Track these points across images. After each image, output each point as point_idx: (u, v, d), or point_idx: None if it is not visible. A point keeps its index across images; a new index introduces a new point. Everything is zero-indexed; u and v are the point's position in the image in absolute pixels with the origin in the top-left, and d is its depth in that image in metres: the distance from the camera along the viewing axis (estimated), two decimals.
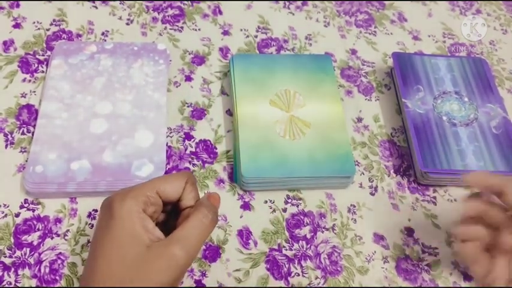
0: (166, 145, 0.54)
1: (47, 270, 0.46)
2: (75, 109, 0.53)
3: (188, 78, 0.61)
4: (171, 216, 0.41)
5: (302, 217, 0.52)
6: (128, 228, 0.36)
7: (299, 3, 0.71)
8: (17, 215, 0.48)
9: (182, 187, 0.40)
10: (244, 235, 0.50)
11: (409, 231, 0.52)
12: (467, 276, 0.50)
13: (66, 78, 0.55)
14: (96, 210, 0.49)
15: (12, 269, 0.45)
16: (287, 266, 0.48)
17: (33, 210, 0.49)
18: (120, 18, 0.65)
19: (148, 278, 0.34)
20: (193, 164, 0.54)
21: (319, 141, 0.53)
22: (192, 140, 0.55)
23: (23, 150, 0.52)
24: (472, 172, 0.43)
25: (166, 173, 0.51)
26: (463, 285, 0.49)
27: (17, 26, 0.62)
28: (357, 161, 0.56)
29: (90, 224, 0.49)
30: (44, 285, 0.45)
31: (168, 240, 0.36)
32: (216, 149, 0.55)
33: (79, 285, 0.44)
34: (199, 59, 0.62)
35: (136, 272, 0.35)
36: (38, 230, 0.48)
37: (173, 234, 0.36)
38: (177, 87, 0.60)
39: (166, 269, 0.35)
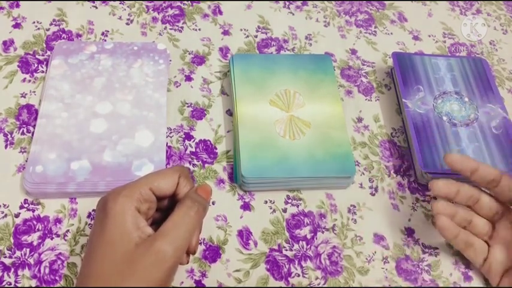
0: (166, 145, 0.54)
1: (47, 270, 0.46)
2: (75, 109, 0.53)
3: (188, 78, 0.61)
4: (168, 214, 0.41)
5: (302, 217, 0.52)
6: (119, 226, 0.36)
7: (299, 3, 0.71)
8: (17, 215, 0.48)
9: (175, 182, 0.40)
10: (245, 235, 0.50)
11: (409, 232, 0.52)
12: (467, 277, 0.50)
13: (66, 78, 0.55)
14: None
15: (12, 270, 0.45)
16: (287, 266, 0.48)
17: (33, 211, 0.49)
18: (120, 18, 0.65)
19: (137, 276, 0.35)
20: (193, 164, 0.54)
21: (319, 141, 0.53)
22: (192, 140, 0.55)
23: (22, 150, 0.52)
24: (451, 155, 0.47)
25: None
26: (463, 286, 0.49)
27: (16, 26, 0.62)
28: (357, 161, 0.56)
29: (89, 224, 0.49)
30: (44, 286, 0.45)
31: (153, 236, 0.36)
32: (216, 149, 0.55)
33: (75, 284, 0.44)
34: (199, 59, 0.62)
35: (126, 271, 0.35)
36: (38, 230, 0.48)
37: (159, 229, 0.37)
38: (177, 87, 0.60)
39: (153, 265, 0.35)
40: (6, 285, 0.44)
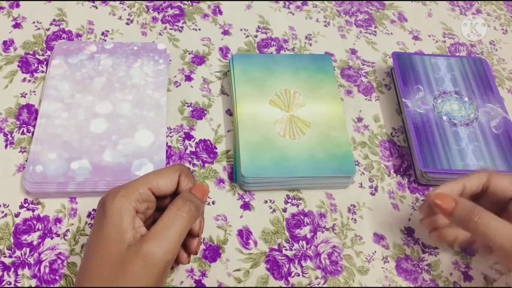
0: (166, 145, 0.54)
1: (47, 270, 0.46)
2: (75, 109, 0.53)
3: (188, 78, 0.61)
4: None
5: (302, 217, 0.52)
6: (116, 226, 0.36)
7: (299, 3, 0.71)
8: (17, 215, 0.48)
9: (175, 180, 0.40)
10: (244, 235, 0.50)
11: (409, 231, 0.52)
12: (467, 277, 0.50)
13: (66, 78, 0.55)
14: (95, 210, 0.49)
15: (12, 269, 0.45)
16: (287, 266, 0.48)
17: (33, 210, 0.49)
18: (120, 18, 0.65)
19: (127, 279, 0.34)
20: (193, 164, 0.54)
21: (319, 141, 0.53)
22: (192, 139, 0.55)
23: (22, 150, 0.52)
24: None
25: None
26: (463, 286, 0.49)
27: (17, 26, 0.62)
28: (357, 161, 0.56)
29: (89, 224, 0.49)
30: (44, 285, 0.45)
31: (143, 238, 0.36)
32: (216, 148, 0.55)
33: (74, 282, 0.44)
34: (199, 59, 0.62)
35: (118, 272, 0.35)
36: (38, 230, 0.48)
37: (149, 231, 0.36)
38: (177, 87, 0.60)
39: (142, 271, 0.34)
40: (6, 285, 0.44)
